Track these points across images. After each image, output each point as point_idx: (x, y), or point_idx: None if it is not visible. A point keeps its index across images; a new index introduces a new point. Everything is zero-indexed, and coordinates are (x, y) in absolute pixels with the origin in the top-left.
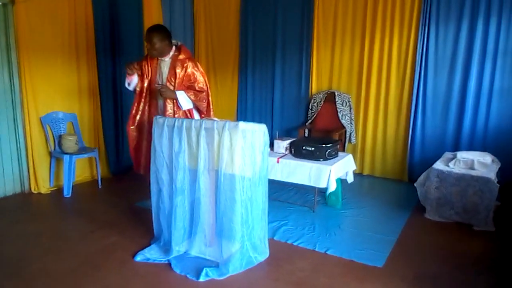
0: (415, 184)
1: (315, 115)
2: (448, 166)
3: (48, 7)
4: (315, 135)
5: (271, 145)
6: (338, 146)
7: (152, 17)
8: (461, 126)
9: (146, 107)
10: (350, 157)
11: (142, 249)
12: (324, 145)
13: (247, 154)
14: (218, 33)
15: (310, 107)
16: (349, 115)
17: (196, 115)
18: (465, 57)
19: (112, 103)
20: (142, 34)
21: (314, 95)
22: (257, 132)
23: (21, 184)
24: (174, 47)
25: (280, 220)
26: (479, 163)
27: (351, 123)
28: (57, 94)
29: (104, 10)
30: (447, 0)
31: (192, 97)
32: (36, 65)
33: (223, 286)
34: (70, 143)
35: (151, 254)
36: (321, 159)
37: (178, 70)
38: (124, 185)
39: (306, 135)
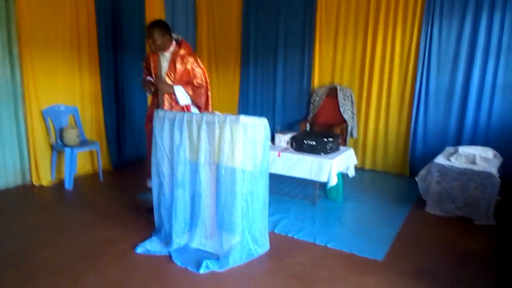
0: (416, 178)
1: (316, 109)
2: (450, 160)
3: (50, 0)
4: (317, 129)
5: (272, 139)
6: (340, 140)
7: (154, 11)
8: (463, 121)
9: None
10: (351, 151)
11: (143, 241)
12: (325, 139)
13: (248, 147)
14: (220, 28)
15: (312, 101)
16: (351, 109)
17: (194, 111)
18: (468, 53)
19: (114, 97)
20: (144, 29)
21: (316, 89)
22: (258, 126)
23: (23, 176)
24: (174, 42)
25: (280, 213)
26: (481, 157)
27: (352, 117)
28: (59, 87)
29: (106, 4)
30: None
31: (190, 92)
32: (37, 59)
33: (223, 278)
34: (71, 136)
35: (152, 246)
36: (322, 153)
37: (178, 65)
38: (126, 178)
39: (308, 129)
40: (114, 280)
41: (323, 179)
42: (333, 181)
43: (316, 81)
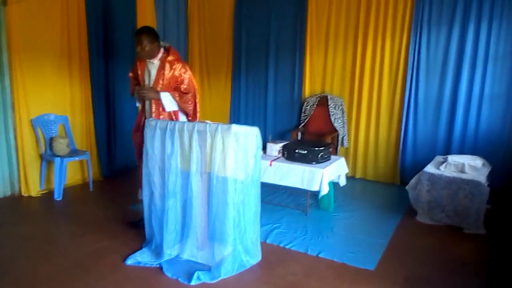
0: (406, 187)
1: (307, 118)
2: (439, 169)
3: (40, 8)
4: (308, 138)
5: (264, 148)
6: (331, 149)
7: (146, 19)
8: (452, 130)
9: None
10: (342, 160)
11: (134, 252)
12: (316, 148)
13: (240, 157)
14: (211, 36)
15: (303, 111)
16: (341, 118)
17: (182, 118)
18: (456, 62)
19: (104, 105)
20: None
21: (307, 98)
22: (249, 135)
23: (12, 186)
24: (162, 49)
25: (272, 223)
26: (470, 166)
27: (343, 126)
28: (49, 96)
29: (97, 12)
30: (439, 5)
31: (177, 98)
32: (28, 67)
33: None
34: (61, 145)
35: (142, 257)
36: (314, 162)
37: (166, 71)
38: (116, 188)
39: (299, 138)
40: None
41: (315, 188)
42: (325, 190)
43: (307, 90)
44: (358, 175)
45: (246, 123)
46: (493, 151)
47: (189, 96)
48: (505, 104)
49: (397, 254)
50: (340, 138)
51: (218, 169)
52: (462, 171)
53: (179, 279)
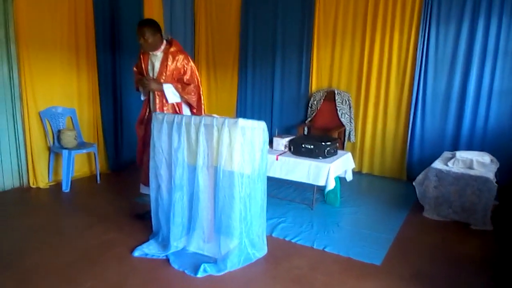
0: (413, 183)
1: (314, 113)
2: (447, 165)
3: (48, 1)
4: (315, 133)
5: (271, 143)
6: (337, 144)
7: (153, 11)
8: (460, 126)
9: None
10: (349, 155)
11: (141, 244)
12: (323, 143)
13: (246, 151)
14: (218, 30)
15: (309, 105)
16: (348, 113)
17: (185, 110)
18: (465, 57)
19: (112, 98)
20: None
21: (314, 93)
22: (256, 129)
23: (20, 178)
24: (165, 41)
25: (278, 217)
26: (478, 162)
27: (350, 121)
28: (57, 89)
29: (105, 5)
30: (449, 0)
31: (180, 89)
32: (35, 59)
33: (221, 282)
34: (69, 138)
35: (149, 249)
36: (320, 157)
37: (169, 62)
38: (123, 180)
39: (306, 133)
40: (111, 283)
41: (321, 183)
42: (331, 185)
43: (314, 85)
44: (364, 170)
45: (252, 117)
46: (501, 147)
47: (192, 87)
48: None
49: (403, 250)
50: (347, 133)
51: (224, 163)
52: (470, 167)
53: (186, 271)
